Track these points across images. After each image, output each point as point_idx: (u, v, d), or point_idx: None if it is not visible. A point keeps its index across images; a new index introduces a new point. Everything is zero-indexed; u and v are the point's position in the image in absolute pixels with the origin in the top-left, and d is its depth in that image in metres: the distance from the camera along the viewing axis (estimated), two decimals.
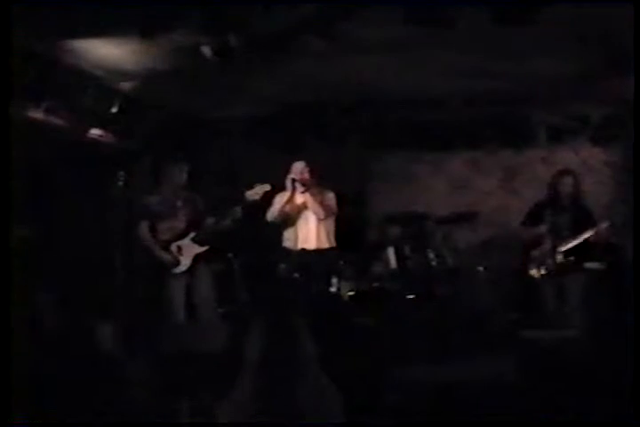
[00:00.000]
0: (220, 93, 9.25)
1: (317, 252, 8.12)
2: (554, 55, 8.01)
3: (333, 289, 8.57)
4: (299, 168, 8.11)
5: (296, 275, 7.86)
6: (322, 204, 8.10)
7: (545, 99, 9.82)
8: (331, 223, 8.28)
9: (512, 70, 8.50)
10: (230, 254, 9.68)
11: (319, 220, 8.12)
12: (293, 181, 8.03)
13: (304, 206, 8.10)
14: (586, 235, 8.18)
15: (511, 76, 8.75)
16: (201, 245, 8.11)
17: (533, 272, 8.47)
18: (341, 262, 8.90)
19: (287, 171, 8.18)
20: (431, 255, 9.67)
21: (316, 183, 8.15)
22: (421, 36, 7.13)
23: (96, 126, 9.27)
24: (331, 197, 8.25)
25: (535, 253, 8.50)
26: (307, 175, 8.07)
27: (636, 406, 4.62)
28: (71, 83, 8.35)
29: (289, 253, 8.18)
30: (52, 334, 7.34)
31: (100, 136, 9.40)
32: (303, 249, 8.08)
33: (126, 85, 9.02)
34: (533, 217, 8.57)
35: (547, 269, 8.36)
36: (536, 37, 7.18)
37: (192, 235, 8.10)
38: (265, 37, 7.16)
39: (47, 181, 8.89)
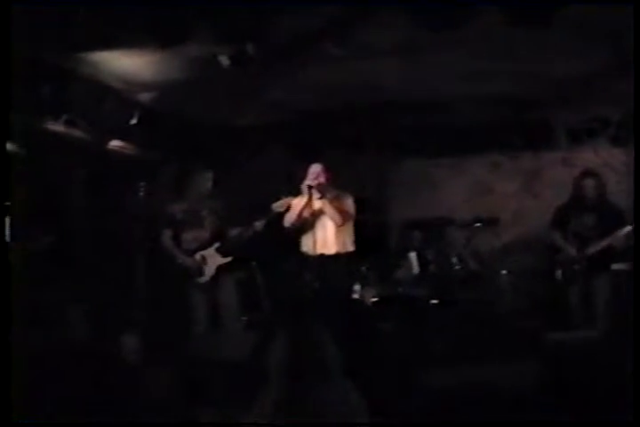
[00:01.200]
0: (238, 102, 9.28)
1: (336, 257, 8.06)
2: (572, 56, 7.99)
3: (356, 295, 8.56)
4: (315, 171, 8.01)
5: (316, 283, 7.82)
6: (339, 209, 7.99)
7: (564, 100, 9.80)
8: (349, 228, 8.15)
9: (531, 72, 8.49)
10: (253, 263, 9.69)
11: (337, 225, 8.03)
12: (309, 187, 7.94)
13: (321, 212, 8.00)
14: (613, 236, 8.13)
15: (530, 78, 8.74)
16: (225, 255, 8.12)
17: (559, 275, 8.44)
18: (364, 268, 8.88)
19: (304, 175, 8.12)
20: (454, 260, 9.66)
21: (333, 187, 8.07)
22: (438, 39, 7.12)
23: (116, 138, 9.31)
24: (349, 202, 8.12)
25: (561, 255, 8.46)
26: (323, 179, 7.97)
27: (636, 406, 4.59)
28: (90, 95, 8.39)
29: (307, 258, 8.12)
30: (78, 343, 7.36)
31: (120, 147, 9.44)
32: (322, 255, 8.03)
33: (145, 96, 9.06)
34: (559, 220, 8.53)
35: (573, 271, 8.32)
36: (554, 38, 7.16)
37: (216, 245, 8.11)
38: (281, 45, 7.18)
39: (68, 193, 8.93)
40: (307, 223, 8.10)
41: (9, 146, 7.90)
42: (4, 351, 4.58)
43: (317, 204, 7.98)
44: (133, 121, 9.02)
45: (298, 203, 8.02)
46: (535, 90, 9.33)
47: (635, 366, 5.24)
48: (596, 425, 5.06)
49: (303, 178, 7.96)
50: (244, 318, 8.66)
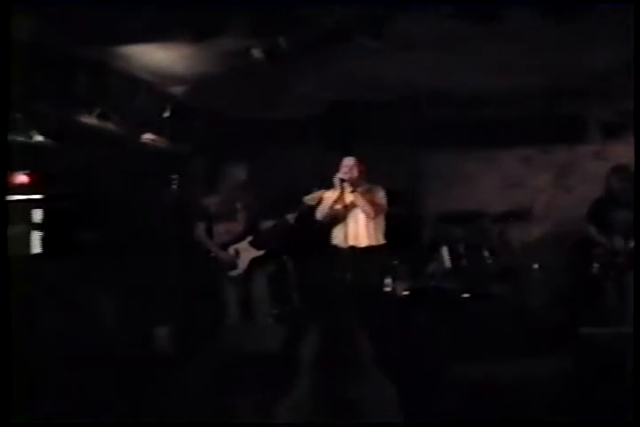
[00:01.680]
0: (270, 95, 9.29)
1: (367, 250, 8.05)
2: (605, 49, 7.95)
3: (388, 289, 8.56)
4: (348, 164, 8.01)
5: (347, 276, 7.82)
6: (371, 202, 7.99)
7: (598, 94, 9.74)
8: (381, 221, 8.14)
9: (564, 66, 8.45)
10: (285, 256, 9.70)
11: (368, 218, 8.03)
12: (342, 180, 7.94)
13: (353, 205, 8.00)
14: None
15: (563, 72, 8.69)
16: (258, 248, 8.14)
17: (595, 269, 8.40)
18: (396, 262, 8.88)
19: (337, 168, 8.11)
20: (486, 254, 9.63)
21: (365, 180, 8.07)
22: (472, 31, 7.10)
23: (148, 131, 9.34)
24: (381, 195, 8.11)
25: (597, 249, 8.43)
26: (355, 172, 7.97)
27: (636, 405, 4.56)
28: (123, 88, 8.43)
29: (338, 251, 8.11)
30: (112, 335, 7.41)
31: (153, 140, 9.47)
32: (352, 247, 8.02)
33: (178, 90, 9.08)
34: (595, 214, 8.49)
35: (610, 265, 8.28)
36: (587, 32, 7.12)
37: (249, 238, 8.14)
38: (314, 38, 7.18)
39: (102, 186, 8.97)
40: (338, 216, 8.09)
41: (41, 138, 7.98)
42: (4, 351, 4.59)
43: (349, 197, 7.98)
44: (166, 114, 9.06)
45: (330, 196, 8.02)
46: (569, 83, 9.29)
47: (635, 365, 5.22)
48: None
49: (335, 171, 7.96)
50: (275, 312, 8.67)
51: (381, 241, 8.09)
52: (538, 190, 10.86)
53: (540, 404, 5.43)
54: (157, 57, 7.88)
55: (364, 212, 7.94)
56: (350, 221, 8.01)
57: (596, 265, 8.43)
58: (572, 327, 7.15)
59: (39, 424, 5.02)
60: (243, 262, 8.14)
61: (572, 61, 8.32)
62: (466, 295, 8.96)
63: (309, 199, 7.90)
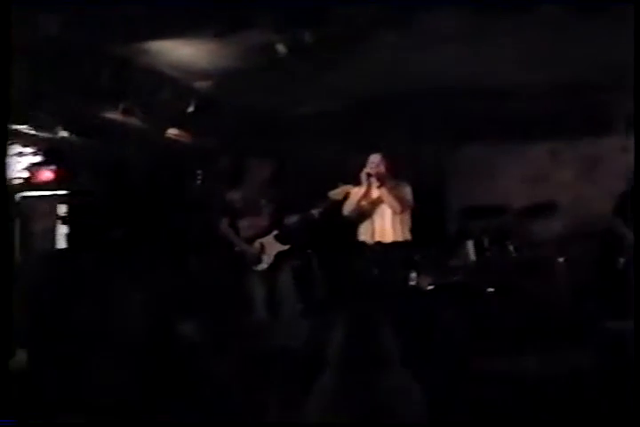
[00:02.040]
0: (294, 90, 9.29)
1: (393, 245, 8.08)
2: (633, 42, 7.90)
3: (412, 283, 8.55)
4: (375, 161, 8.06)
5: (375, 269, 7.84)
6: (398, 198, 8.03)
7: (624, 87, 9.68)
8: (407, 217, 8.20)
9: (591, 59, 8.40)
10: (309, 250, 9.71)
11: (395, 214, 8.07)
12: (368, 175, 7.98)
13: (380, 200, 8.05)
14: None
15: (591, 65, 8.65)
16: (283, 243, 8.16)
17: (621, 262, 8.37)
18: (420, 256, 8.87)
19: (363, 165, 8.14)
20: (511, 248, 9.60)
21: (392, 176, 8.10)
22: (499, 24, 7.08)
23: (173, 126, 9.37)
24: (407, 190, 8.16)
25: (624, 243, 8.40)
26: (382, 168, 8.01)
27: (637, 405, 4.55)
28: (147, 83, 8.45)
29: (365, 247, 8.15)
30: (137, 331, 7.43)
31: (177, 136, 9.50)
32: (379, 242, 8.05)
33: (202, 85, 9.10)
34: (622, 207, 8.46)
35: (633, 259, 8.24)
36: (615, 25, 7.07)
37: (275, 233, 8.15)
38: (338, 32, 7.17)
39: (127, 181, 9.01)
40: (365, 212, 8.12)
41: (66, 133, 8.02)
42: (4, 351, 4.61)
43: (376, 192, 8.02)
44: (190, 109, 9.08)
45: (357, 191, 8.06)
46: (595, 76, 9.23)
47: (635, 365, 5.20)
48: None
49: (361, 166, 7.98)
50: (301, 306, 8.68)
51: (407, 237, 8.12)
52: (564, 184, 10.82)
53: (567, 398, 5.42)
54: (182, 52, 7.89)
55: (391, 207, 7.97)
56: (377, 217, 8.06)
57: (621, 259, 8.40)
58: (598, 321, 7.14)
59: (39, 424, 5.04)
60: (268, 257, 8.16)
61: (599, 54, 8.27)
62: (490, 290, 8.94)
63: (335, 194, 7.92)
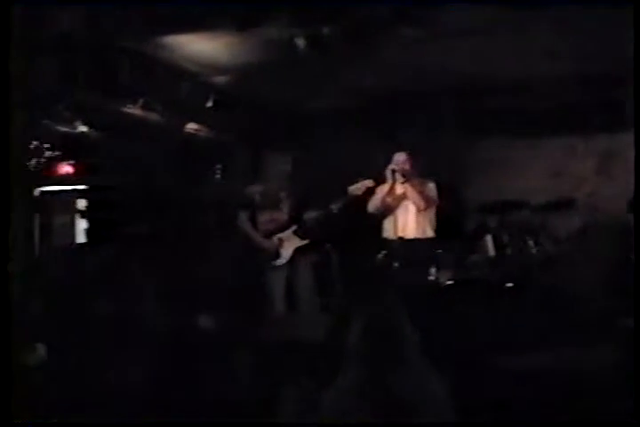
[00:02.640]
0: (314, 85, 9.28)
1: (416, 241, 8.09)
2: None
3: (432, 278, 8.54)
4: (400, 159, 8.09)
5: (395, 264, 7.83)
6: (422, 194, 8.07)
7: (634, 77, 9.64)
8: (431, 214, 8.23)
9: (608, 53, 8.36)
10: (328, 245, 9.70)
11: (419, 210, 8.10)
12: (393, 171, 8.01)
13: (404, 197, 8.08)
14: None
15: (607, 59, 8.61)
16: (302, 238, 8.16)
17: (632, 259, 8.34)
18: (439, 251, 8.86)
19: (385, 161, 8.16)
20: (530, 243, 9.57)
21: (416, 174, 8.12)
22: (515, 19, 7.06)
23: (192, 121, 9.38)
24: (431, 187, 8.20)
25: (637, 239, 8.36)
26: (407, 166, 8.04)
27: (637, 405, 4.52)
28: (167, 78, 8.47)
29: (388, 242, 8.16)
30: (156, 325, 7.45)
31: (197, 130, 9.51)
32: (401, 238, 8.05)
33: (221, 79, 9.10)
34: (635, 204, 8.43)
35: None
36: (631, 19, 7.04)
37: (294, 227, 8.15)
38: (357, 27, 7.16)
39: (146, 176, 9.03)
40: (389, 208, 8.13)
41: (85, 128, 8.04)
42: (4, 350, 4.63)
43: (400, 188, 8.04)
44: (209, 104, 9.08)
45: (381, 188, 8.08)
46: (613, 70, 9.19)
47: (635, 365, 5.18)
48: None
49: (380, 161, 7.99)
50: (320, 301, 8.68)
51: (430, 234, 8.14)
52: (582, 179, 10.78)
53: (586, 394, 5.40)
54: (201, 47, 7.91)
55: (415, 203, 8.01)
56: (400, 213, 8.08)
57: (633, 256, 8.37)
58: (618, 318, 7.11)
59: (39, 424, 5.05)
60: (286, 252, 8.16)
61: (616, 48, 8.23)
62: (509, 285, 8.92)
63: (354, 189, 7.91)
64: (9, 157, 5.17)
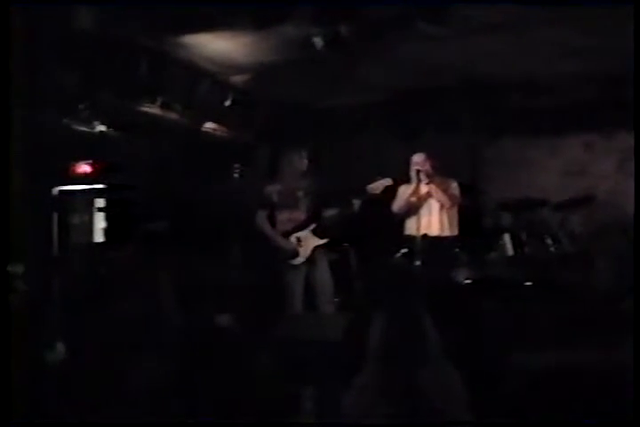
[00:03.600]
0: (331, 83, 9.29)
1: (439, 239, 8.12)
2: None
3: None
4: (420, 160, 8.14)
5: (418, 262, 7.83)
6: (447, 193, 8.15)
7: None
8: (454, 213, 8.29)
9: (626, 50, 8.34)
10: (346, 244, 9.70)
11: (443, 209, 8.16)
12: (418, 172, 8.07)
13: (428, 196, 8.15)
14: None
15: (625, 57, 8.58)
16: (321, 236, 8.16)
17: None
18: (457, 250, 8.85)
19: (402, 158, 8.17)
20: (548, 241, 9.55)
21: (438, 173, 8.16)
22: (532, 17, 7.05)
23: (210, 120, 9.39)
24: (455, 186, 8.27)
25: None
26: (428, 166, 8.10)
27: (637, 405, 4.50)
28: (185, 78, 8.48)
29: (411, 240, 8.16)
30: (174, 324, 7.47)
31: (215, 130, 9.53)
32: (425, 236, 8.06)
33: (239, 78, 9.12)
34: None
35: None
36: None
37: (312, 226, 8.15)
38: (375, 25, 7.16)
39: (164, 175, 9.05)
40: (413, 208, 8.17)
41: (104, 128, 8.06)
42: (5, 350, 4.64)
43: (424, 188, 8.09)
44: (228, 103, 9.10)
45: (405, 189, 8.14)
46: (630, 68, 9.16)
47: (635, 365, 5.16)
48: None
49: (400, 159, 8.00)
50: (337, 300, 8.68)
51: (454, 232, 8.19)
52: (601, 177, 10.75)
53: (605, 393, 5.39)
54: (219, 46, 7.92)
55: (440, 201, 8.09)
56: (424, 212, 8.12)
57: None
58: (636, 316, 7.09)
59: (39, 424, 5.07)
60: (305, 251, 8.15)
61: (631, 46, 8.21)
62: (528, 283, 8.90)
63: (373, 188, 7.91)
64: (26, 157, 5.20)
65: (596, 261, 9.59)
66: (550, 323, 7.15)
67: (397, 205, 8.25)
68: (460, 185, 8.42)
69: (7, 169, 5.17)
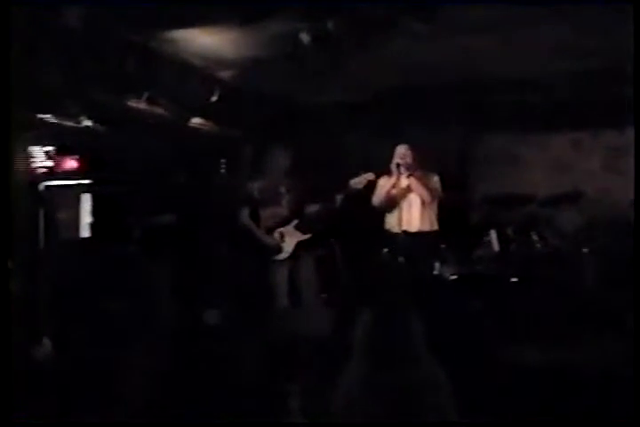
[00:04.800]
0: (319, 79, 9.28)
1: (420, 235, 8.11)
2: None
3: (436, 272, 8.54)
4: (401, 152, 8.10)
5: (401, 258, 7.84)
6: (427, 187, 8.11)
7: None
8: (434, 207, 8.27)
9: (616, 48, 8.35)
10: (332, 239, 9.70)
11: (423, 203, 8.12)
12: (398, 165, 8.03)
13: (409, 190, 8.10)
14: None
15: (614, 54, 8.60)
16: (304, 232, 8.16)
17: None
18: (443, 246, 8.86)
19: (388, 156, 8.17)
20: (535, 238, 9.57)
21: (419, 167, 8.13)
22: (521, 15, 7.05)
23: (197, 115, 9.38)
24: (436, 180, 8.25)
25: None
26: (410, 159, 8.05)
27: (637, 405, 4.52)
28: (171, 73, 8.46)
29: (391, 236, 8.17)
30: (160, 320, 7.47)
31: (201, 125, 9.51)
32: (405, 232, 8.06)
33: (226, 74, 9.10)
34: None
35: None
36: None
37: (295, 222, 8.15)
38: (363, 22, 7.16)
39: (150, 171, 9.03)
40: (393, 201, 8.14)
41: (90, 122, 8.04)
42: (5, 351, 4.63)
43: (404, 182, 8.05)
44: (214, 98, 9.08)
45: (385, 182, 8.10)
46: (619, 66, 9.18)
47: (634, 365, 5.18)
48: None
49: (383, 155, 7.99)
50: (324, 295, 8.69)
51: (434, 227, 8.16)
52: (588, 174, 10.78)
53: (591, 389, 5.41)
54: (205, 41, 7.90)
55: (421, 196, 8.04)
56: (404, 207, 8.09)
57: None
58: (622, 312, 7.11)
59: (39, 424, 5.06)
60: (288, 246, 8.17)
61: (624, 43, 8.22)
62: (514, 280, 8.91)
63: (356, 183, 7.91)
64: (14, 152, 5.19)
65: (582, 257, 9.61)
66: (536, 319, 7.17)
67: (377, 198, 8.20)
68: (442, 179, 8.41)
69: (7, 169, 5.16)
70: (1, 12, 4.85)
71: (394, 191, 8.16)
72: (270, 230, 8.19)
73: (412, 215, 8.12)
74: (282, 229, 8.17)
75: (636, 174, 8.08)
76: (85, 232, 8.75)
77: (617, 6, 6.36)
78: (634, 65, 6.79)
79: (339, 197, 8.05)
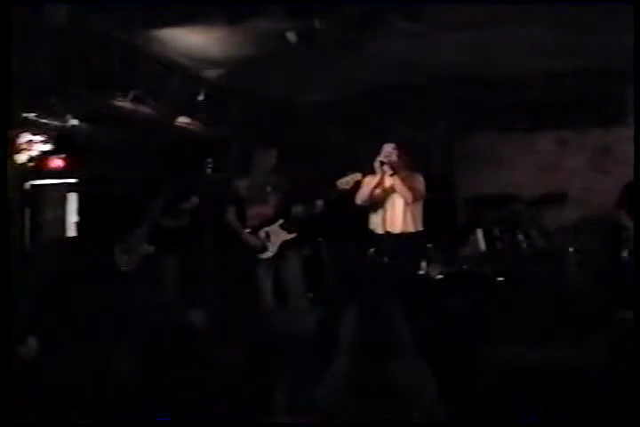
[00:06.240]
0: (305, 78, 9.28)
1: (403, 235, 8.06)
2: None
3: (422, 272, 8.54)
4: (388, 150, 8.05)
5: (385, 259, 7.82)
6: (410, 187, 8.01)
7: (634, 76, 9.65)
8: (418, 207, 8.17)
9: (601, 47, 8.37)
10: (319, 239, 9.70)
11: (407, 204, 8.06)
12: (382, 163, 7.97)
13: (392, 190, 8.03)
14: None
15: (600, 54, 8.62)
16: (289, 231, 8.15)
17: (625, 253, 8.36)
18: (429, 245, 8.86)
19: (375, 154, 8.14)
20: (520, 237, 9.59)
21: (405, 166, 8.08)
22: (508, 13, 7.07)
23: (183, 114, 9.37)
24: (420, 180, 8.14)
25: (626, 234, 8.38)
26: (395, 157, 8.00)
27: (637, 405, 4.52)
28: (158, 71, 8.45)
29: (375, 236, 8.14)
30: (144, 320, 7.45)
31: (188, 124, 9.50)
32: (388, 232, 8.03)
33: (212, 73, 9.10)
34: (625, 198, 8.43)
35: (635, 251, 8.23)
36: (623, 12, 7.05)
37: (280, 221, 8.14)
38: (349, 20, 7.16)
39: (136, 169, 9.02)
40: (377, 201, 8.10)
41: (76, 122, 8.03)
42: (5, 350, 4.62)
43: (389, 181, 8.00)
44: (200, 97, 9.08)
45: (369, 180, 8.05)
46: (605, 65, 9.20)
47: (634, 365, 5.18)
48: None
49: (371, 154, 7.97)
50: (310, 295, 8.68)
51: (418, 227, 8.10)
52: (574, 173, 10.80)
53: (576, 388, 5.41)
54: (192, 40, 7.90)
55: (403, 196, 7.94)
56: (388, 206, 8.03)
57: (625, 250, 8.39)
58: (608, 311, 7.12)
59: (39, 424, 5.04)
60: (273, 245, 8.15)
61: (609, 43, 8.25)
62: (500, 279, 8.93)
63: (343, 183, 7.89)
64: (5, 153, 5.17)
65: (568, 256, 9.64)
66: (522, 318, 7.17)
67: (361, 196, 8.11)
68: (428, 179, 8.36)
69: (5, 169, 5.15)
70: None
71: (377, 191, 8.11)
72: (256, 229, 8.18)
73: (396, 216, 8.04)
74: (267, 228, 8.16)
75: (636, 174, 8.09)
76: (71, 231, 8.74)
77: (608, 6, 6.37)
78: (634, 65, 6.79)
79: (326, 197, 8.03)
